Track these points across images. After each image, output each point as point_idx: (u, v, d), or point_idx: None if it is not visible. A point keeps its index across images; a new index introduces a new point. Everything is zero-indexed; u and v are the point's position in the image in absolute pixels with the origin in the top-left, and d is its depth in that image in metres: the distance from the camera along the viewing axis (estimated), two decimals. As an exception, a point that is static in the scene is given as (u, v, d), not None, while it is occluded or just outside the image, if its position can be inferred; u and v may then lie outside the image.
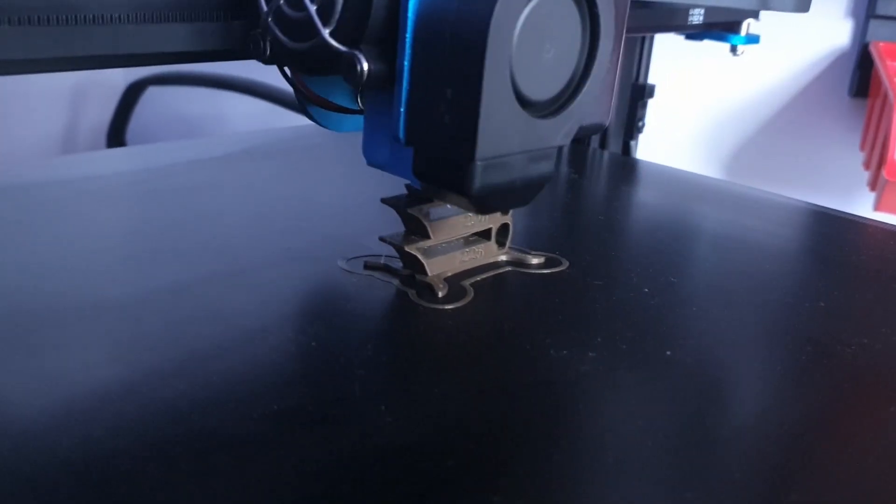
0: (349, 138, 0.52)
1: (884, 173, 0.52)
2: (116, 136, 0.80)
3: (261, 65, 0.26)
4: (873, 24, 0.61)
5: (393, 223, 0.30)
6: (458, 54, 0.21)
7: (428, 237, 0.29)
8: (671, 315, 0.29)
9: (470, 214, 0.30)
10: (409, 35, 0.22)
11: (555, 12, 0.22)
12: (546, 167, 0.24)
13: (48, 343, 0.25)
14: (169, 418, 0.21)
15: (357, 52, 0.23)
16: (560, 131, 0.24)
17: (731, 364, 0.26)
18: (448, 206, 0.30)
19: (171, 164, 0.44)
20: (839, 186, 0.65)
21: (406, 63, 0.22)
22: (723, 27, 0.53)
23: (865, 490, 0.21)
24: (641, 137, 0.61)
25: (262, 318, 0.27)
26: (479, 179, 0.22)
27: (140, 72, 0.80)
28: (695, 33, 0.54)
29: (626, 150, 0.60)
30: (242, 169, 0.44)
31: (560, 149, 0.25)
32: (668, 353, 0.26)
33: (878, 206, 0.55)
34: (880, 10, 0.60)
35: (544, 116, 0.23)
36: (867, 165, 0.59)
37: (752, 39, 0.54)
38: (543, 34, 0.22)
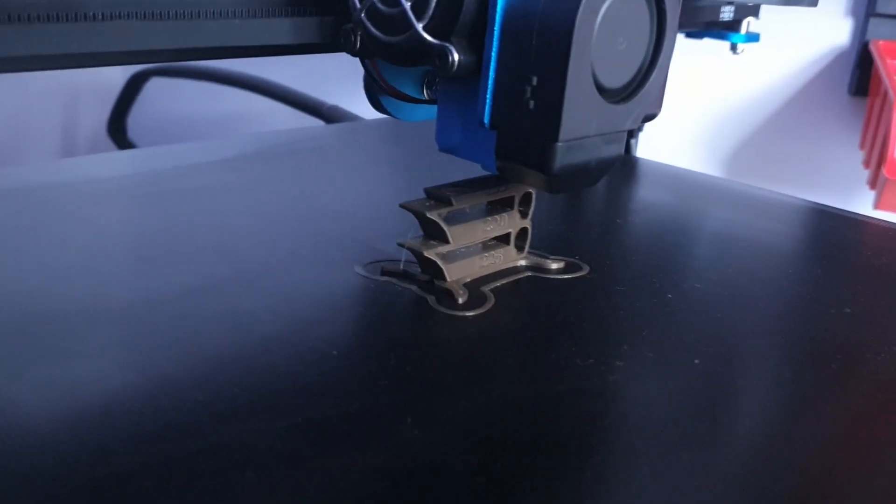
0: (360, 141, 0.52)
1: (884, 171, 0.52)
2: (117, 124, 0.79)
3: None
4: (873, 22, 0.61)
5: (405, 226, 0.29)
6: (544, 46, 0.23)
7: (447, 242, 0.28)
8: (697, 322, 0.29)
9: (489, 218, 0.30)
10: (497, 28, 0.24)
11: (628, 8, 0.24)
12: (617, 149, 0.26)
13: (63, 352, 0.24)
14: (189, 431, 0.21)
15: (448, 45, 0.25)
16: (630, 116, 0.26)
17: (760, 373, 0.26)
18: (467, 210, 0.29)
19: (180, 166, 0.43)
20: (839, 185, 0.65)
21: (494, 54, 0.25)
22: (723, 26, 0.53)
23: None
24: (641, 136, 0.60)
25: (281, 326, 0.26)
26: (560, 159, 0.24)
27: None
28: (695, 32, 0.54)
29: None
30: (253, 171, 0.43)
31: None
32: (697, 361, 0.26)
33: (877, 205, 0.55)
34: (880, 8, 0.60)
35: (617, 102, 0.25)
36: (867, 164, 0.59)
37: (752, 38, 0.54)
38: (618, 27, 0.24)
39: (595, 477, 0.21)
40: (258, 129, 0.78)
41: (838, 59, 0.64)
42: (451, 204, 0.29)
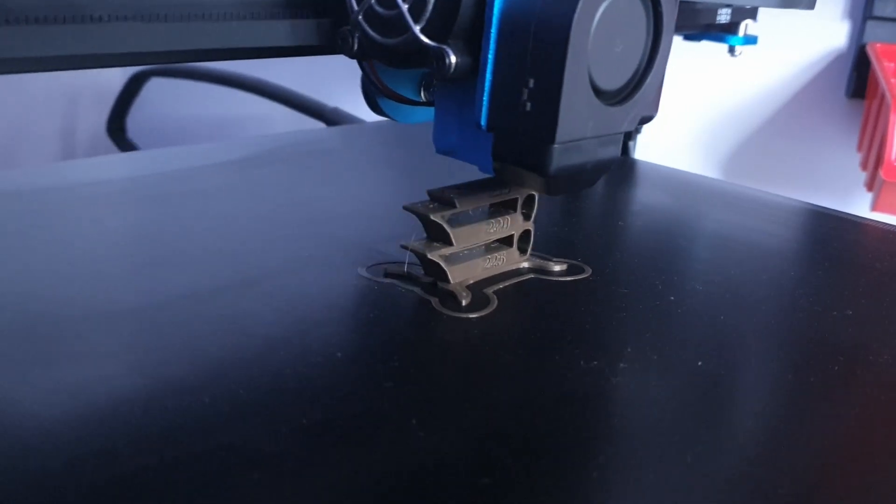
0: (362, 143, 0.52)
1: (881, 174, 0.52)
2: (116, 124, 0.79)
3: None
4: (870, 25, 0.61)
5: (408, 228, 0.30)
6: (541, 48, 0.23)
7: (451, 244, 0.29)
8: (700, 324, 0.29)
9: (492, 220, 0.30)
10: (494, 30, 0.24)
11: (625, 10, 0.24)
12: (613, 151, 0.27)
13: (67, 354, 0.24)
14: (195, 433, 0.21)
15: (445, 47, 0.25)
16: (627, 118, 0.26)
17: (763, 374, 0.26)
18: (470, 212, 0.29)
19: (183, 168, 0.43)
20: (836, 187, 0.65)
21: (490, 56, 0.25)
22: (721, 28, 0.53)
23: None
24: (639, 137, 0.61)
25: (285, 328, 0.26)
26: (557, 160, 0.25)
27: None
28: (693, 34, 0.54)
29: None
30: (256, 173, 0.43)
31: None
32: (700, 363, 0.26)
33: (875, 207, 0.55)
34: (877, 11, 0.60)
35: (613, 104, 0.25)
36: (864, 166, 0.59)
37: (750, 40, 0.54)
38: (615, 30, 0.24)
39: (598, 478, 0.21)
40: (259, 131, 0.79)
41: (836, 61, 0.64)
42: (454, 206, 0.29)
